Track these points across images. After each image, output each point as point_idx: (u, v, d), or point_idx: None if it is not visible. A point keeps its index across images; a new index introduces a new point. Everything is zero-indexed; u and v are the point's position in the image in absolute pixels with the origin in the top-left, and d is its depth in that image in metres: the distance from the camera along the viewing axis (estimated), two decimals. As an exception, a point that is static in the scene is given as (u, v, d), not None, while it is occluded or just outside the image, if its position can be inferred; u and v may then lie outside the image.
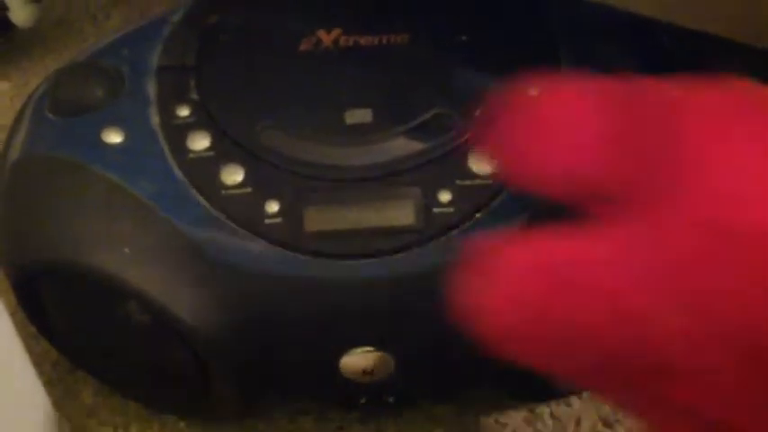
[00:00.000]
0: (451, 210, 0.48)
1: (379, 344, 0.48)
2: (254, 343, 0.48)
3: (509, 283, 0.31)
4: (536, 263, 0.31)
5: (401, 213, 0.48)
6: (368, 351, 0.48)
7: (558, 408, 0.57)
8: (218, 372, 0.49)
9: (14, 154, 0.53)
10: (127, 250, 0.47)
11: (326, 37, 0.54)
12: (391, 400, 0.52)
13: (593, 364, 0.30)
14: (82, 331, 0.52)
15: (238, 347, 0.48)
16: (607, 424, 0.56)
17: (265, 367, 0.50)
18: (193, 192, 0.49)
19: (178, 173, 0.50)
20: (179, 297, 0.47)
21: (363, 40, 0.54)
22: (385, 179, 0.49)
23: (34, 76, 0.80)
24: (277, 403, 0.56)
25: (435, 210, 0.48)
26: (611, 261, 0.29)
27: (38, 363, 0.50)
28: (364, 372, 0.49)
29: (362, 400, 0.52)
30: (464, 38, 0.54)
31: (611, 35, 0.55)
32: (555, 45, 0.54)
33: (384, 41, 0.54)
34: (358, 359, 0.49)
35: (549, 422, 0.56)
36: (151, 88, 0.54)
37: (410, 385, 0.52)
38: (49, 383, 0.56)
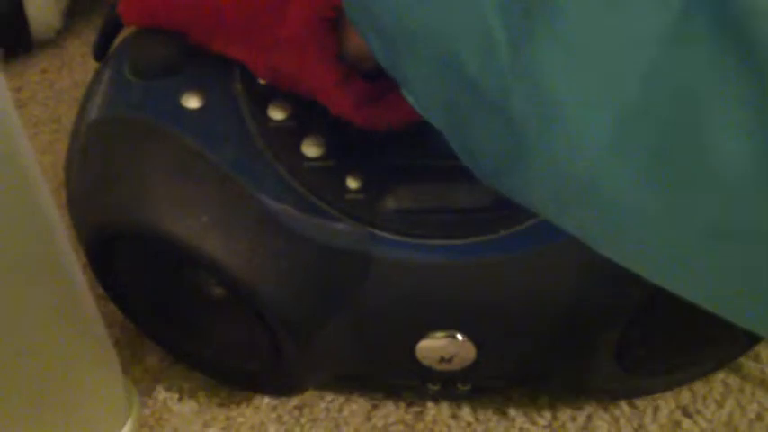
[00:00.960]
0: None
1: (459, 328, 0.47)
2: (328, 319, 0.47)
3: None
4: None
5: (489, 194, 0.46)
6: (447, 336, 0.47)
7: (635, 394, 0.56)
8: (290, 345, 0.48)
9: (92, 114, 0.52)
10: (205, 219, 0.46)
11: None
12: (467, 388, 0.51)
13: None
14: (152, 299, 0.52)
15: (313, 322, 0.47)
16: (686, 413, 0.54)
17: (339, 343, 0.49)
18: (274, 162, 0.48)
19: (258, 142, 0.49)
20: (256, 269, 0.46)
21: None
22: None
23: None
24: (347, 379, 0.55)
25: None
26: None
27: (107, 324, 0.49)
28: (442, 359, 0.48)
29: (436, 387, 0.51)
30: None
31: None
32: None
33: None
34: (436, 345, 0.47)
35: (626, 409, 0.55)
36: (233, 53, 0.52)
37: (488, 373, 0.50)
38: (117, 345, 0.55)
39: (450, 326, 0.47)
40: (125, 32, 0.57)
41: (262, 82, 0.50)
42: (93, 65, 0.58)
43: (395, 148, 0.48)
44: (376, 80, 0.45)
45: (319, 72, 0.44)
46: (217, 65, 0.51)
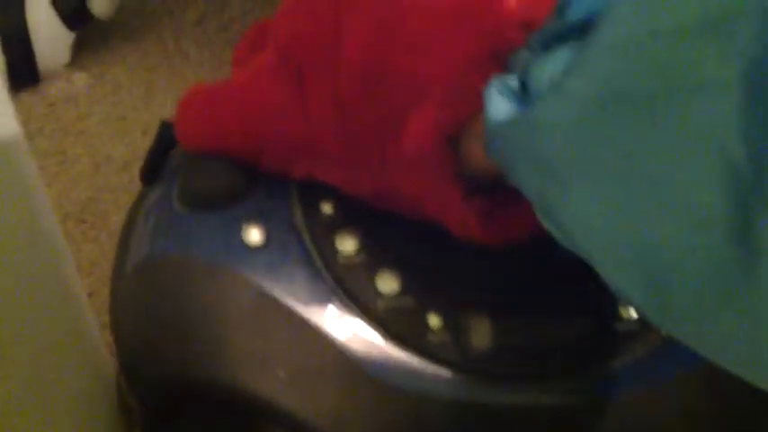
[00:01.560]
0: (637, 326, 0.43)
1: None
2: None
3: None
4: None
5: (579, 329, 0.43)
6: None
7: None
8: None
9: (139, 251, 0.49)
10: (281, 373, 0.43)
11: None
12: None
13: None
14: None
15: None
16: None
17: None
18: (347, 302, 0.45)
19: (328, 279, 0.45)
20: (341, 424, 0.42)
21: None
22: (558, 287, 0.44)
23: (113, 65, 0.82)
24: None
25: (618, 325, 0.43)
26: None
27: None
28: None
29: None
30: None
31: None
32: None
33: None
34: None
35: None
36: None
37: None
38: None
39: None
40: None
41: (327, 211, 0.47)
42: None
43: (478, 277, 0.45)
44: (492, 192, 0.42)
45: (443, 190, 0.41)
46: (273, 192, 0.48)
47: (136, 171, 0.61)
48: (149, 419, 0.47)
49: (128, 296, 0.48)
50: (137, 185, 0.50)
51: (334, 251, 0.46)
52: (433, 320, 0.44)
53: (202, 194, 0.48)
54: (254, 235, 0.47)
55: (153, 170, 0.52)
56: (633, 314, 0.44)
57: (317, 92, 0.44)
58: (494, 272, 0.45)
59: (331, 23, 0.44)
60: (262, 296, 0.45)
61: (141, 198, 0.52)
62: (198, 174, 0.49)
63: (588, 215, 0.30)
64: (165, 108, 0.78)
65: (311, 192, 0.48)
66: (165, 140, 0.51)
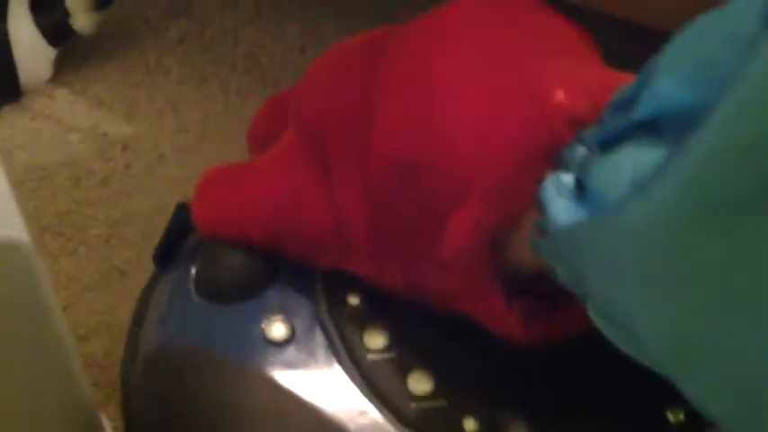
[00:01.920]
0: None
1: None
2: None
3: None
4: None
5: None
6: None
7: None
8: None
9: (151, 342, 0.46)
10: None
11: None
12: None
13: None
14: None
15: None
16: None
17: None
18: (376, 401, 0.42)
19: (356, 378, 0.43)
20: None
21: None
22: (602, 388, 0.42)
23: (94, 81, 0.82)
24: None
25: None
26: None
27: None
28: None
29: None
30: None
31: None
32: None
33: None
34: None
35: None
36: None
37: None
38: None
39: None
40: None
41: (354, 303, 0.45)
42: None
43: (516, 377, 0.42)
44: (534, 292, 0.39)
45: (483, 290, 0.39)
46: (297, 283, 0.46)
47: (116, 186, 0.60)
48: None
49: (140, 386, 0.45)
50: (116, 200, 0.49)
51: (363, 348, 0.43)
52: (469, 425, 0.41)
53: (221, 285, 0.46)
54: (276, 329, 0.44)
55: (167, 253, 0.49)
56: (681, 418, 0.41)
57: (345, 178, 0.42)
58: (532, 371, 0.42)
59: (359, 100, 0.42)
60: (283, 395, 0.42)
61: (154, 282, 0.49)
62: (216, 262, 0.47)
63: (671, 324, 0.28)
64: (147, 123, 0.78)
65: (337, 282, 0.46)
66: (181, 222, 0.49)
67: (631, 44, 0.55)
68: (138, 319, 0.48)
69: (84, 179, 0.74)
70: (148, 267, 0.51)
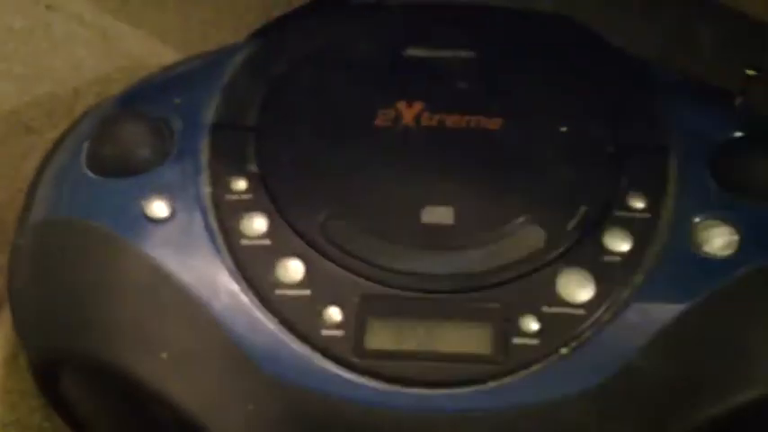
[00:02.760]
0: (535, 342, 0.42)
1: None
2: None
3: None
4: None
5: (475, 340, 0.43)
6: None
7: None
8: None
9: (40, 212, 0.47)
10: (164, 355, 0.42)
11: (407, 111, 0.48)
12: None
13: None
14: (107, 422, 0.47)
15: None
16: None
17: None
18: (244, 286, 0.43)
19: (228, 261, 0.44)
20: (223, 414, 0.42)
21: (449, 120, 0.48)
22: (461, 295, 0.43)
23: None
24: None
25: (515, 339, 0.42)
26: None
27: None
28: None
29: None
30: (564, 130, 0.47)
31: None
32: (663, 138, 0.47)
33: (473, 124, 0.48)
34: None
35: None
36: (204, 150, 0.48)
37: None
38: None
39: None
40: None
41: (238, 189, 0.46)
42: None
43: (386, 275, 0.44)
44: None
45: None
46: (184, 165, 0.47)
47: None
48: (36, 376, 0.46)
49: (25, 252, 0.47)
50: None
51: (239, 233, 0.45)
52: (330, 316, 0.43)
53: (109, 160, 0.47)
54: (157, 207, 0.45)
55: None
56: (533, 327, 0.43)
57: None
58: (402, 275, 0.44)
59: None
60: (157, 272, 0.43)
61: (51, 155, 0.50)
62: (107, 138, 0.48)
63: None
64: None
65: (224, 167, 0.47)
66: None
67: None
68: (32, 189, 0.50)
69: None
70: (58, 125, 0.52)
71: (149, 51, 0.68)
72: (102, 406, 0.47)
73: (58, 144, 0.51)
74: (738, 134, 0.48)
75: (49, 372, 0.45)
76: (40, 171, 0.50)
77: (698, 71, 0.52)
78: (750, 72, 0.47)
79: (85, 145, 0.48)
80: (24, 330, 0.46)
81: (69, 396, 0.47)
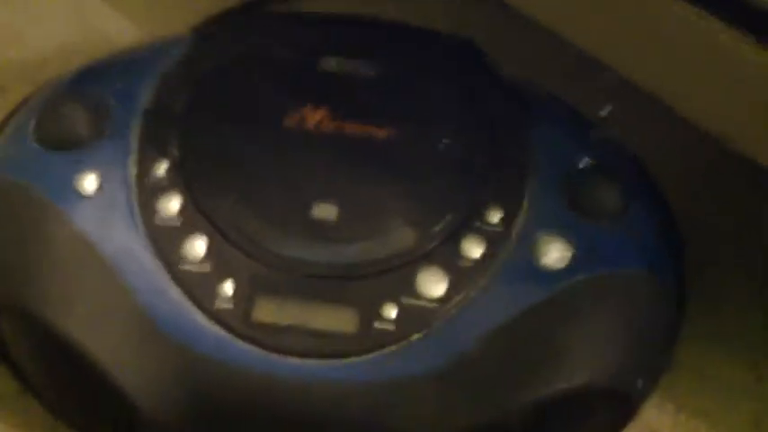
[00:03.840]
0: (392, 327, 0.50)
1: (301, 438, 0.52)
2: (189, 421, 0.51)
3: None
4: None
5: (343, 320, 0.51)
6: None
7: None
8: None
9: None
10: (80, 311, 0.50)
11: (311, 116, 0.56)
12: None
13: None
14: (34, 363, 0.55)
15: (171, 417, 0.51)
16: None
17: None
18: (156, 260, 0.51)
19: (144, 236, 0.52)
20: (129, 369, 0.50)
21: (346, 127, 0.55)
22: (336, 281, 0.52)
23: None
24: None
25: (376, 324, 0.51)
26: None
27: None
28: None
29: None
30: (442, 144, 0.55)
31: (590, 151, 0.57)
32: (526, 158, 0.55)
33: (366, 133, 0.55)
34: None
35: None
36: (136, 133, 0.55)
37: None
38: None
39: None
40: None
41: (160, 172, 0.53)
42: None
43: (275, 259, 0.52)
44: None
45: None
46: (117, 144, 0.54)
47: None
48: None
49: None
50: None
51: (155, 211, 0.53)
52: (224, 290, 0.51)
53: (52, 135, 0.54)
54: (87, 182, 0.53)
55: None
56: (392, 315, 0.51)
57: None
58: (288, 260, 0.52)
59: None
60: (79, 239, 0.51)
61: (7, 121, 0.58)
62: (53, 114, 0.55)
63: None
64: None
65: (152, 148, 0.54)
66: None
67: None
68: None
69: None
70: (24, 90, 0.59)
71: (117, 29, 0.74)
72: (28, 349, 0.54)
73: (14, 112, 0.58)
74: (589, 161, 0.56)
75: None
76: (-2, 133, 0.57)
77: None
78: (602, 114, 0.55)
79: (33, 118, 0.55)
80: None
81: (1, 337, 0.55)
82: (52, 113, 0.55)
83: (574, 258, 0.52)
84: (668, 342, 0.55)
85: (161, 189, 0.53)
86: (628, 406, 0.53)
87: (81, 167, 0.53)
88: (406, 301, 0.51)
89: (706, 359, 0.59)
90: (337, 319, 0.51)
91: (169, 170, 0.54)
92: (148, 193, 0.53)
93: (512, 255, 0.52)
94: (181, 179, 0.53)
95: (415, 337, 0.51)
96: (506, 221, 0.53)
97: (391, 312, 0.51)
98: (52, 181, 0.53)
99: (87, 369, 0.50)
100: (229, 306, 0.51)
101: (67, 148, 0.54)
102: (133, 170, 0.54)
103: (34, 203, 0.52)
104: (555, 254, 0.52)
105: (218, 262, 0.51)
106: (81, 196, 0.52)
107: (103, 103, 0.56)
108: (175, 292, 0.51)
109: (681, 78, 0.53)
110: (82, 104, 0.55)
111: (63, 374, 0.53)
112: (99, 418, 0.55)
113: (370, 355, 0.51)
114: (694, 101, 0.53)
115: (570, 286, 0.51)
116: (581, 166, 0.55)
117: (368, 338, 0.50)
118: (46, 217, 0.52)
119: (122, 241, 0.52)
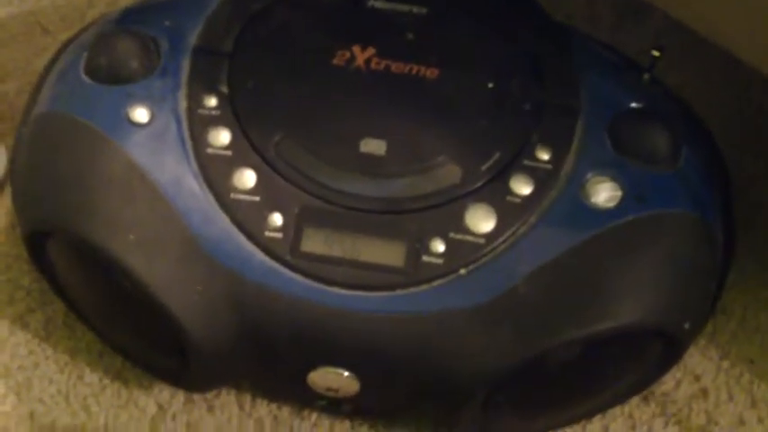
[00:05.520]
0: (440, 261, 0.51)
1: (347, 368, 0.52)
2: (236, 345, 0.51)
3: None
4: None
5: (391, 253, 0.51)
6: (336, 373, 0.52)
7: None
8: (195, 356, 0.53)
9: (41, 106, 0.55)
10: (132, 237, 0.50)
11: (360, 55, 0.56)
12: (348, 410, 0.56)
13: None
14: (83, 288, 0.56)
15: (217, 341, 0.51)
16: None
17: (241, 362, 0.53)
18: (205, 188, 0.52)
19: (194, 166, 0.52)
20: (177, 291, 0.50)
21: (394, 66, 0.56)
22: (384, 215, 0.52)
23: None
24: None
25: (424, 257, 0.51)
26: None
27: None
28: (329, 389, 0.53)
29: (322, 403, 0.56)
30: (491, 85, 0.55)
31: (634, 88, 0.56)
32: (574, 100, 0.55)
33: (414, 72, 0.55)
34: (325, 377, 0.52)
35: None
36: (185, 69, 0.55)
37: (368, 404, 0.56)
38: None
39: (339, 364, 0.52)
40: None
41: (210, 104, 0.54)
42: None
43: (324, 192, 0.52)
44: None
45: None
46: (168, 77, 0.55)
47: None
48: (26, 243, 0.55)
49: (25, 140, 0.55)
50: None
51: (206, 142, 0.53)
52: (273, 220, 0.51)
53: (104, 68, 0.55)
54: (139, 113, 0.53)
55: None
56: (440, 249, 0.51)
57: None
58: (337, 193, 0.52)
59: None
60: (132, 168, 0.52)
61: (58, 55, 0.58)
62: (104, 50, 0.55)
63: None
64: None
65: (201, 82, 0.55)
66: None
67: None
68: (39, 84, 0.58)
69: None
70: (70, 28, 0.59)
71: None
72: (78, 275, 0.55)
73: (63, 49, 0.58)
74: (637, 105, 0.55)
75: (37, 241, 0.54)
76: (47, 70, 0.58)
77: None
78: (655, 53, 0.55)
79: (85, 53, 0.56)
80: (19, 204, 0.55)
81: (53, 264, 0.55)
82: (104, 49, 0.55)
83: (623, 198, 0.52)
84: (715, 287, 0.55)
85: (211, 121, 0.53)
86: (673, 348, 0.53)
87: (132, 100, 0.54)
88: (454, 235, 0.51)
89: (753, 308, 0.59)
90: (385, 252, 0.51)
91: (219, 104, 0.54)
92: (199, 126, 0.53)
93: (560, 193, 0.52)
94: (231, 113, 0.54)
95: (462, 271, 0.51)
96: (555, 160, 0.53)
97: (439, 247, 0.51)
98: (104, 113, 0.53)
99: (138, 293, 0.51)
100: (278, 235, 0.51)
101: (118, 82, 0.54)
102: (183, 103, 0.54)
103: (87, 134, 0.53)
104: (604, 193, 0.52)
105: (268, 193, 0.52)
106: (132, 127, 0.53)
107: (153, 40, 0.56)
108: (225, 220, 0.51)
109: (736, 17, 0.53)
110: (132, 40, 0.55)
111: (113, 299, 0.54)
112: (148, 342, 0.55)
113: (417, 288, 0.51)
114: (750, 40, 0.53)
115: (618, 226, 0.51)
116: (630, 108, 0.55)
117: (415, 272, 0.51)
118: (98, 147, 0.52)
119: (173, 170, 0.52)
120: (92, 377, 0.60)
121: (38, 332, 0.61)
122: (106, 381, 0.60)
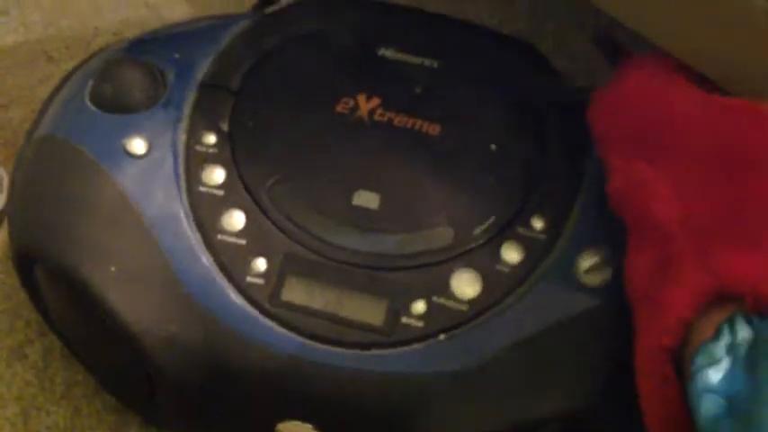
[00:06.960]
0: (420, 324, 0.50)
1: (315, 423, 0.51)
2: (206, 388, 0.51)
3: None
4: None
5: (371, 311, 0.50)
6: (304, 427, 0.51)
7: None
8: (163, 394, 0.52)
9: (42, 129, 0.55)
10: (113, 268, 0.50)
11: (365, 104, 0.55)
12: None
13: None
14: (69, 318, 0.55)
15: (186, 382, 0.51)
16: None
17: (208, 405, 0.53)
18: (193, 227, 0.51)
19: (185, 203, 0.52)
20: (151, 329, 0.50)
21: (398, 119, 0.55)
22: (369, 271, 0.51)
23: None
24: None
25: (404, 319, 0.50)
26: None
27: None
28: (296, 438, 0.52)
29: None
30: (493, 147, 0.54)
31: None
32: (578, 169, 0.54)
33: (417, 127, 0.55)
34: (293, 429, 0.51)
35: None
36: (189, 103, 0.55)
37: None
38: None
39: (307, 419, 0.51)
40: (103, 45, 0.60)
41: (208, 142, 0.53)
42: None
43: (311, 241, 0.51)
44: None
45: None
46: (170, 111, 0.55)
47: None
48: (16, 269, 0.55)
49: (22, 162, 0.55)
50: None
51: (199, 180, 0.53)
52: (257, 265, 0.51)
53: (108, 97, 0.55)
54: (136, 145, 0.53)
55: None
56: (421, 311, 0.50)
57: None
58: (323, 243, 0.51)
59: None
60: (120, 198, 0.51)
61: (64, 81, 0.58)
62: (109, 79, 0.55)
63: None
64: None
65: (202, 118, 0.55)
66: None
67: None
68: (43, 108, 0.58)
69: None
70: (75, 57, 0.60)
71: (167, 4, 0.75)
72: (63, 304, 0.55)
73: (69, 75, 0.58)
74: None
75: (25, 267, 0.54)
76: (52, 95, 0.58)
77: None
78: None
79: (91, 80, 0.56)
80: (10, 226, 0.55)
81: (41, 290, 0.55)
82: (110, 76, 0.55)
83: (613, 278, 0.50)
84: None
85: (207, 159, 0.53)
86: None
87: (131, 131, 0.53)
88: (437, 299, 0.50)
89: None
90: (365, 310, 0.50)
91: (218, 142, 0.54)
92: (195, 162, 0.53)
93: (551, 266, 0.51)
94: (228, 152, 0.54)
95: (442, 337, 0.50)
96: (550, 231, 0.52)
97: (420, 309, 0.50)
98: (100, 140, 0.53)
99: (115, 326, 0.50)
100: (260, 281, 0.50)
101: (121, 110, 0.54)
102: (182, 137, 0.54)
103: (79, 160, 0.53)
104: (595, 271, 0.50)
105: (255, 237, 0.51)
106: (127, 158, 0.53)
107: (159, 72, 0.56)
108: (208, 261, 0.51)
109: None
110: (139, 70, 0.55)
111: (91, 329, 0.54)
112: (122, 377, 0.55)
113: (394, 350, 0.50)
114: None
115: (603, 306, 0.50)
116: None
117: (393, 332, 0.50)
118: (89, 173, 0.52)
119: (163, 205, 0.52)
120: (89, 409, 0.60)
121: (36, 363, 0.61)
122: (104, 414, 0.60)
